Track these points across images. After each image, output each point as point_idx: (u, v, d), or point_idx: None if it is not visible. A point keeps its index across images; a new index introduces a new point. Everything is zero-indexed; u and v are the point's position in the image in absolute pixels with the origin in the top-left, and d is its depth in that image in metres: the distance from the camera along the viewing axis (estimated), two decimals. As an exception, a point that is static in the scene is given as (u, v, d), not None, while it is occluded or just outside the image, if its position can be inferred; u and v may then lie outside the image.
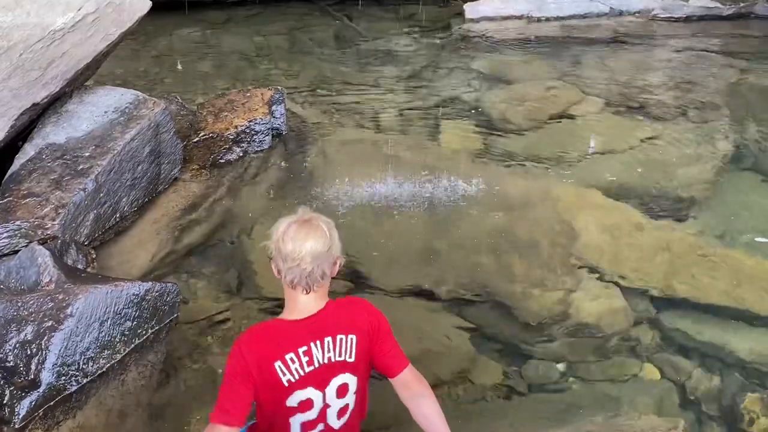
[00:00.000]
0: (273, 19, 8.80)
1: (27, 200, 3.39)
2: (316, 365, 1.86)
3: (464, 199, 4.30)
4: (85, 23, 3.93)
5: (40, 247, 3.02)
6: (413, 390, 1.99)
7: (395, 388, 2.03)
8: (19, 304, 2.68)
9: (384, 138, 5.33)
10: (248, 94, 5.20)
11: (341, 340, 1.89)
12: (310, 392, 1.88)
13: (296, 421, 1.90)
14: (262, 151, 4.82)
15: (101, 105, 4.04)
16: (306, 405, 1.89)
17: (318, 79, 6.69)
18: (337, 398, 1.92)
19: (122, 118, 3.97)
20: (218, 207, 4.14)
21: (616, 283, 3.56)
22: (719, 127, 5.42)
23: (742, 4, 8.46)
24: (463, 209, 4.19)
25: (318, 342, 1.87)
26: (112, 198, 3.73)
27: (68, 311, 2.65)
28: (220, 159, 4.62)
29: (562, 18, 8.46)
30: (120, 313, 2.82)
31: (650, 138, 5.21)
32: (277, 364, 1.83)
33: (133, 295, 2.87)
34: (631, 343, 3.22)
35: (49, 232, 3.26)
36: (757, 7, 8.49)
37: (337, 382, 1.90)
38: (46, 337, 2.59)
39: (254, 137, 4.81)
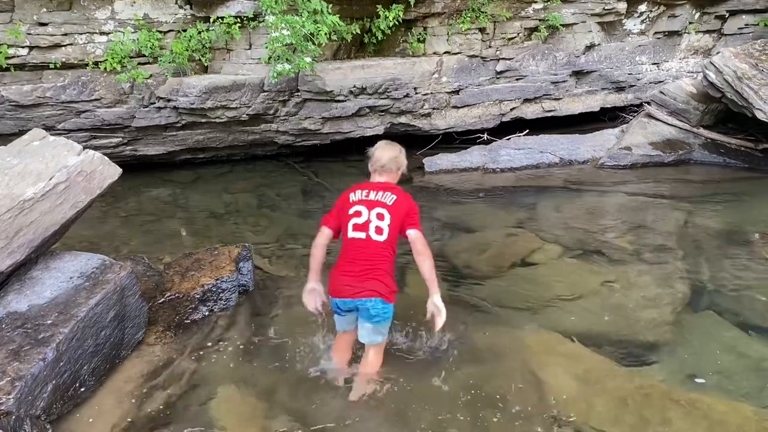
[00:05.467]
0: (241, 176, 9.09)
1: (-18, 374, 3.28)
2: (369, 198, 3.72)
3: (433, 352, 4.28)
4: (55, 192, 4.01)
5: (-8, 426, 2.88)
6: (417, 249, 3.67)
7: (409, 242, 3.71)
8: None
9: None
10: (215, 252, 5.25)
11: (385, 194, 3.72)
12: (361, 207, 3.71)
13: (351, 223, 3.70)
14: (228, 309, 4.80)
15: (67, 271, 4.03)
16: (358, 213, 3.70)
17: (285, 234, 6.82)
18: (376, 219, 3.65)
19: (88, 284, 3.95)
20: (182, 372, 4.03)
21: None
22: (675, 269, 5.62)
23: (680, 152, 9.11)
24: (432, 363, 4.16)
25: (373, 190, 3.75)
26: (72, 366, 3.62)
27: (17, 499, 2.49)
28: (186, 319, 4.57)
29: (516, 169, 8.97)
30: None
31: (609, 282, 5.35)
32: (351, 194, 3.79)
33: (90, 475, 2.72)
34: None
35: (3, 408, 3.13)
36: (694, 153, 9.16)
37: (377, 210, 3.67)
38: None
39: (221, 295, 4.80)
